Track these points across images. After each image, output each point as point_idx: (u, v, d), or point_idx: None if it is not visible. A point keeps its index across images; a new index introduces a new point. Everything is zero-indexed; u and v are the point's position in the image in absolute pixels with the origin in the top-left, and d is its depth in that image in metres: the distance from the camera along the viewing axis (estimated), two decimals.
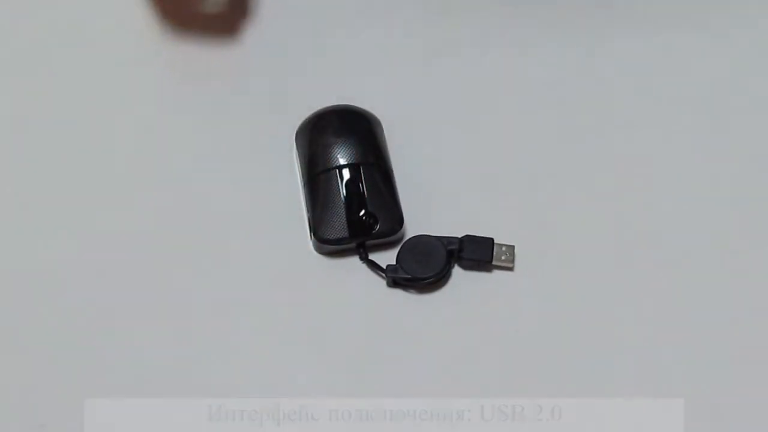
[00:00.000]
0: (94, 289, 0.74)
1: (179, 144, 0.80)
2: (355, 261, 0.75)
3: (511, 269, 0.74)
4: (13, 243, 0.76)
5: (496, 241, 0.74)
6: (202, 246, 0.76)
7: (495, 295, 0.74)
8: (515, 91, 0.81)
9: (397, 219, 0.75)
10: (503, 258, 0.74)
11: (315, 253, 0.75)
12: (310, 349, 0.72)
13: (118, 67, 0.83)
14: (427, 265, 0.73)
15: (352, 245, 0.75)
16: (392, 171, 0.76)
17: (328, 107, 0.78)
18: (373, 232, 0.74)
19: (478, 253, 0.74)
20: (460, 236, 0.74)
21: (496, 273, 0.75)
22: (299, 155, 0.77)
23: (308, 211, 0.75)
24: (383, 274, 0.74)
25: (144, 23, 0.84)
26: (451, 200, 0.77)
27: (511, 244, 0.74)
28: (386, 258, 0.75)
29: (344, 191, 0.74)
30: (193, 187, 0.78)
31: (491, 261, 0.74)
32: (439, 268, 0.73)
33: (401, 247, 0.74)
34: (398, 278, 0.74)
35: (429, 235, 0.74)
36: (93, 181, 0.78)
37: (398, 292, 0.74)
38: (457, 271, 0.75)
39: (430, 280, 0.73)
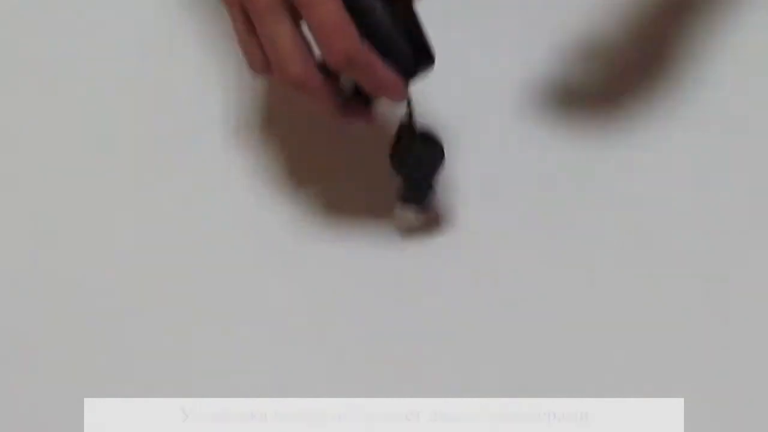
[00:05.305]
0: (94, 288, 0.75)
1: (177, 142, 0.80)
2: (354, 264, 0.75)
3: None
4: (13, 243, 0.77)
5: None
6: (203, 247, 0.76)
7: (496, 293, 0.74)
8: (513, 91, 0.81)
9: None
10: None
11: (312, 254, 0.75)
12: (310, 350, 0.72)
13: (117, 65, 0.83)
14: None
15: None
16: None
17: None
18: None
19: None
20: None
21: (497, 270, 0.75)
22: None
23: None
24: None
25: (144, 29, 0.85)
26: (449, 200, 0.77)
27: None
28: None
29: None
30: (192, 189, 0.78)
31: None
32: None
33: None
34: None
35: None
36: (92, 181, 0.79)
37: (394, 294, 0.74)
38: (457, 264, 0.75)
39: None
